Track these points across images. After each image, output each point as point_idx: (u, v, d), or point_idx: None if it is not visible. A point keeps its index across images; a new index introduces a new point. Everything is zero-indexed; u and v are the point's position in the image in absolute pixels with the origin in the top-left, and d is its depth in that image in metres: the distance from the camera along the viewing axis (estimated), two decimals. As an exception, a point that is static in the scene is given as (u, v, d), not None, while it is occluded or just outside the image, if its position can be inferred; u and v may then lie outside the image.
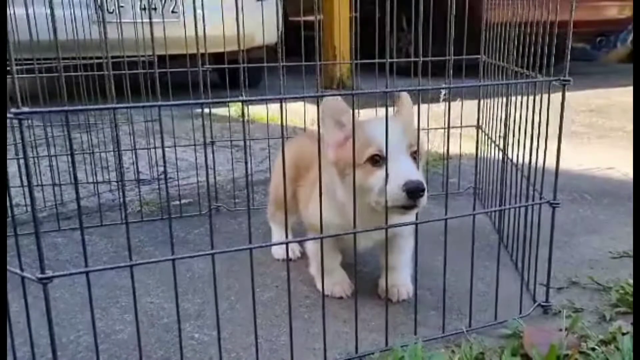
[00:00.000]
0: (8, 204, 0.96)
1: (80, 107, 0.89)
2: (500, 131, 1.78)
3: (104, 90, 1.10)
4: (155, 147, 2.34)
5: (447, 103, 1.72)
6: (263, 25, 2.28)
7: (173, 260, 1.01)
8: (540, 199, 1.36)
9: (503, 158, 1.51)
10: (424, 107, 1.24)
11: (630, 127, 3.45)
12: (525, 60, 1.47)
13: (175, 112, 2.39)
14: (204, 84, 1.82)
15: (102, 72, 2.12)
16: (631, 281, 1.46)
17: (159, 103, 0.94)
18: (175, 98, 2.01)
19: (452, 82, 1.21)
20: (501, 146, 1.71)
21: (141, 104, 0.98)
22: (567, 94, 1.26)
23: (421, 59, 1.16)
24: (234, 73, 1.90)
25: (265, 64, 2.26)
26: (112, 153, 2.56)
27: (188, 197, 2.26)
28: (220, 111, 3.00)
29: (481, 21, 2.05)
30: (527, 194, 1.44)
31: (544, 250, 1.37)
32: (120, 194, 2.06)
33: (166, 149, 2.44)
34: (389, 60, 1.16)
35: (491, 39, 1.97)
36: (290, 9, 5.33)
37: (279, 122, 1.13)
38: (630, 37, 7.10)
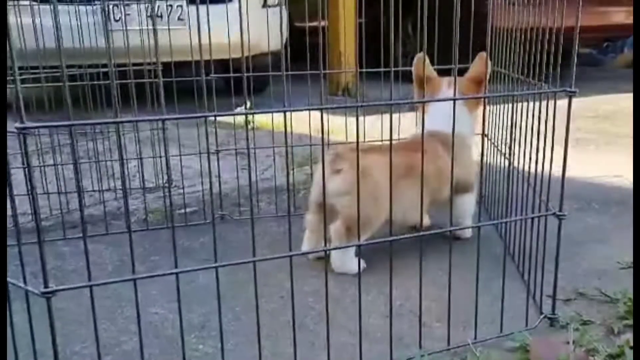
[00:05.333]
0: (12, 212, 0.95)
1: (84, 122, 0.89)
2: (506, 140, 1.77)
3: (110, 98, 1.10)
4: (160, 156, 2.34)
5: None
6: (268, 32, 2.28)
7: (177, 274, 1.00)
8: (547, 210, 1.35)
9: (509, 167, 1.50)
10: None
11: (638, 133, 3.43)
12: (532, 68, 1.46)
13: (182, 120, 2.39)
14: (209, 92, 1.82)
15: (107, 82, 2.14)
16: None
17: (161, 117, 0.94)
18: (182, 104, 2.01)
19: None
20: (507, 155, 1.70)
21: (142, 118, 0.97)
22: (573, 100, 1.25)
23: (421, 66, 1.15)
24: (240, 79, 1.91)
25: (270, 73, 2.26)
26: (118, 161, 2.57)
27: (193, 206, 2.26)
28: (226, 118, 3.00)
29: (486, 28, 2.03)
30: (533, 204, 1.43)
31: (551, 261, 1.36)
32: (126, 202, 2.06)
33: (172, 157, 2.45)
34: (393, 69, 1.16)
35: (497, 47, 1.96)
36: (296, 15, 5.34)
37: (285, 130, 1.13)
38: (638, 42, 7.06)
